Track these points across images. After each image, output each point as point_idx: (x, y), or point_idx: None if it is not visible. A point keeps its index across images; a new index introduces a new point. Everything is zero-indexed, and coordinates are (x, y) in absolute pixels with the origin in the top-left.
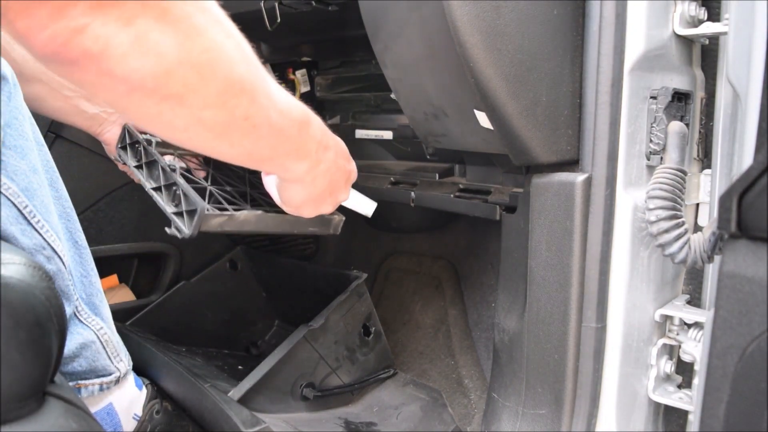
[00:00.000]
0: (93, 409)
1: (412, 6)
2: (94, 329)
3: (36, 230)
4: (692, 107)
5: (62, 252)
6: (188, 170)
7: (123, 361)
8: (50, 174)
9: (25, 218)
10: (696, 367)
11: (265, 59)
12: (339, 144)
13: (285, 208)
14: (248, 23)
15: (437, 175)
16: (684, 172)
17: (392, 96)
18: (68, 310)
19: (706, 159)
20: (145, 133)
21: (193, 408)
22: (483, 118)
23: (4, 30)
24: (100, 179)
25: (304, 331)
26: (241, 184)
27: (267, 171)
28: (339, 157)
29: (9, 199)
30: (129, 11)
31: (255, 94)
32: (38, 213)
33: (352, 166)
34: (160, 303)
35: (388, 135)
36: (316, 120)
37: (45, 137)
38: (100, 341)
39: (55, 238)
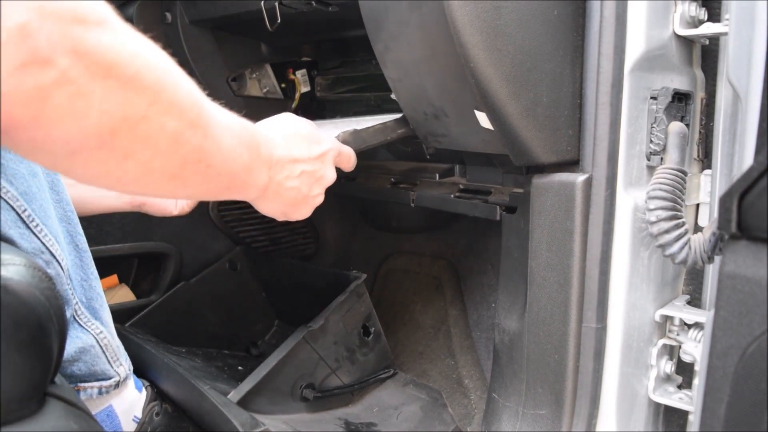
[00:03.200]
0: (93, 412)
1: (412, 6)
2: (93, 333)
3: (34, 234)
4: (692, 108)
5: (61, 256)
6: None
7: (123, 365)
8: (51, 176)
9: (24, 222)
10: (696, 368)
11: (265, 59)
12: (289, 135)
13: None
14: (248, 23)
15: (437, 175)
16: (684, 173)
17: (392, 96)
18: (67, 314)
19: (706, 159)
20: None
21: (193, 410)
22: (483, 119)
23: None
24: None
25: (304, 332)
26: None
27: (227, 198)
28: (297, 146)
29: (8, 203)
30: (62, 70)
31: (205, 131)
32: (37, 217)
33: (321, 149)
34: (160, 303)
35: None
36: (261, 137)
37: None
38: (100, 345)
39: (54, 242)
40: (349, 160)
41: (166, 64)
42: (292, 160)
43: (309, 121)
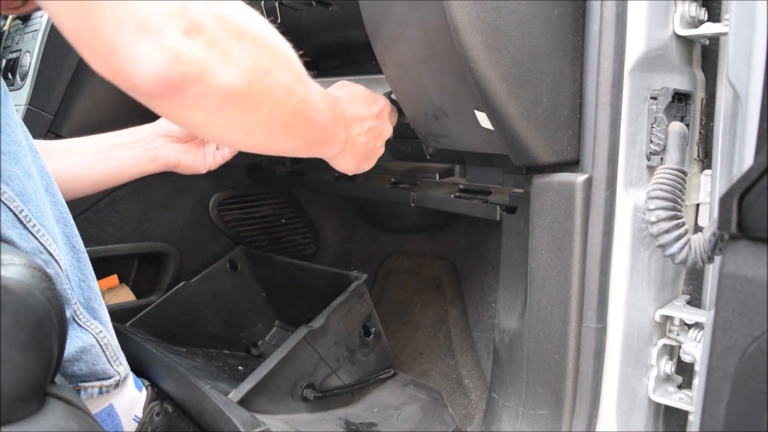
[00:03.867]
0: (93, 411)
1: (412, 6)
2: (93, 333)
3: (32, 234)
4: (692, 108)
5: (59, 256)
6: None
7: (123, 364)
8: (45, 180)
9: (21, 222)
10: (696, 368)
11: None
12: (354, 97)
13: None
14: None
15: (437, 175)
16: (684, 173)
17: (392, 96)
18: (66, 314)
19: (706, 159)
20: None
21: (194, 409)
22: (483, 119)
23: (109, 76)
24: None
25: (304, 332)
26: None
27: (316, 155)
28: (362, 106)
29: (5, 204)
30: (211, 32)
31: (307, 85)
32: (34, 217)
33: (378, 107)
34: (160, 303)
35: None
36: (335, 97)
37: (45, 138)
38: (100, 345)
39: (52, 242)
40: (395, 115)
41: (270, 26)
42: (360, 118)
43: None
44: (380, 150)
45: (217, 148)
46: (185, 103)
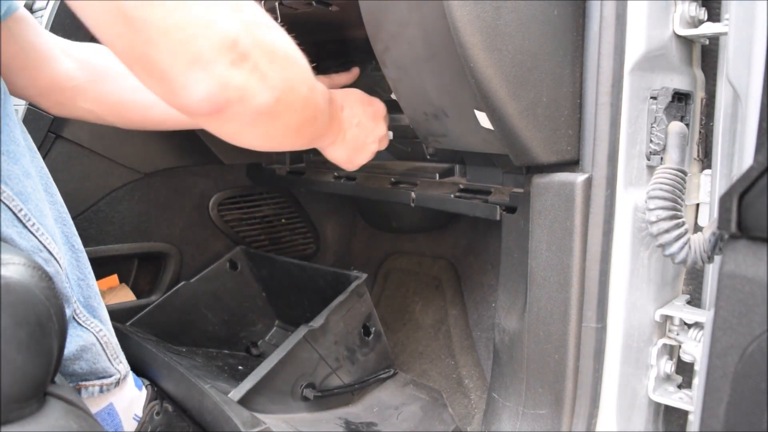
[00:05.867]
0: (94, 410)
1: (412, 6)
2: (93, 331)
3: (32, 233)
4: (692, 107)
5: (59, 255)
6: None
7: (123, 363)
8: (44, 180)
9: (21, 221)
10: (696, 368)
11: None
12: (349, 97)
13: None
14: None
15: (437, 175)
16: (684, 173)
17: (392, 96)
18: (66, 312)
19: (706, 159)
20: None
21: (194, 409)
22: (483, 119)
23: (159, 95)
24: (100, 179)
25: (304, 332)
26: None
27: (313, 146)
28: (356, 106)
29: (4, 203)
30: (253, 60)
31: (316, 92)
32: (33, 216)
33: (373, 109)
34: (160, 303)
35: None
36: (332, 92)
37: (45, 138)
38: (100, 343)
39: (51, 241)
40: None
41: (291, 41)
42: (352, 114)
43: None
44: (372, 146)
45: None
46: (223, 119)
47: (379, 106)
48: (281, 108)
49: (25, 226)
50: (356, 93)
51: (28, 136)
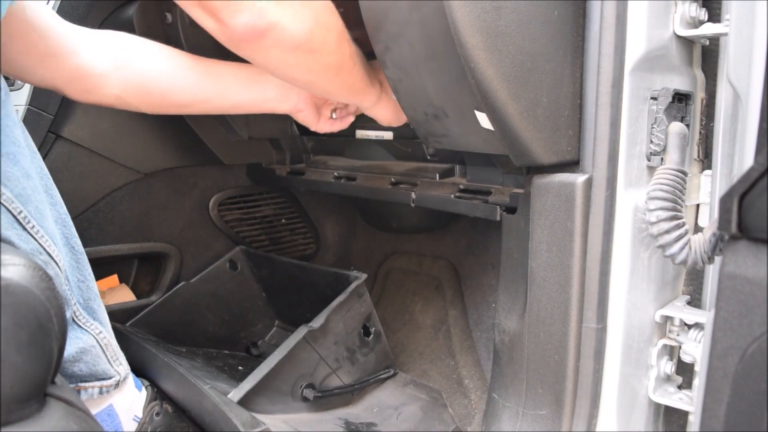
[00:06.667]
0: (93, 411)
1: (412, 6)
2: (93, 333)
3: (31, 235)
4: (693, 108)
5: (58, 257)
6: None
7: (123, 364)
8: (44, 181)
9: (20, 224)
10: (696, 368)
11: None
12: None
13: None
14: None
15: (438, 175)
16: (684, 173)
17: (392, 96)
18: (66, 314)
19: (706, 160)
20: None
21: (193, 409)
22: (483, 119)
23: (212, 28)
24: (100, 179)
25: (304, 332)
26: None
27: (358, 102)
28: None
29: (3, 205)
30: None
31: (350, 44)
32: (33, 219)
33: None
34: (159, 304)
35: (388, 135)
36: (372, 62)
37: (45, 138)
38: (100, 345)
39: (51, 243)
40: None
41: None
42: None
43: None
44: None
45: (331, 117)
46: (265, 45)
47: None
48: (316, 44)
49: (25, 229)
50: None
51: (29, 136)
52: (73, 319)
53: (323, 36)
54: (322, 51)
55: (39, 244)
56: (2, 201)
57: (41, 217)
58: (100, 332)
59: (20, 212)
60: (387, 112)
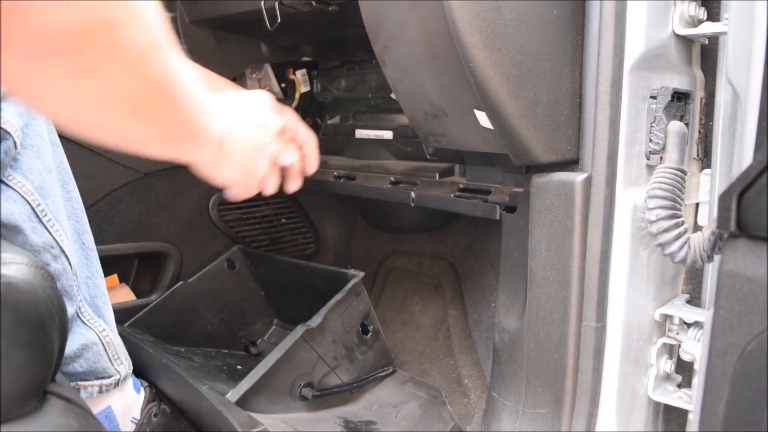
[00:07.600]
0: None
1: (412, 6)
2: (96, 330)
3: (46, 229)
4: (692, 107)
5: (69, 252)
6: None
7: (123, 364)
8: (62, 175)
9: (37, 216)
10: (696, 367)
11: (265, 59)
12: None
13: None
14: (248, 23)
15: (437, 174)
16: (684, 172)
17: (392, 96)
18: (71, 310)
19: (705, 158)
20: None
21: (192, 410)
22: (483, 118)
23: None
24: (100, 179)
25: (302, 331)
26: None
27: (179, 155)
28: (247, 126)
29: (23, 197)
30: None
31: (174, 57)
32: (49, 212)
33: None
34: (158, 303)
35: (388, 135)
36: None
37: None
38: (102, 343)
39: (64, 237)
40: (312, 141)
41: None
42: (243, 122)
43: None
44: (261, 170)
45: None
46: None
47: (285, 119)
48: (97, 55)
49: (41, 221)
50: (263, 96)
51: (53, 130)
52: (78, 315)
53: (114, 44)
54: (107, 68)
55: (53, 237)
56: (22, 192)
57: (57, 211)
58: (104, 330)
59: (38, 204)
60: (232, 170)
